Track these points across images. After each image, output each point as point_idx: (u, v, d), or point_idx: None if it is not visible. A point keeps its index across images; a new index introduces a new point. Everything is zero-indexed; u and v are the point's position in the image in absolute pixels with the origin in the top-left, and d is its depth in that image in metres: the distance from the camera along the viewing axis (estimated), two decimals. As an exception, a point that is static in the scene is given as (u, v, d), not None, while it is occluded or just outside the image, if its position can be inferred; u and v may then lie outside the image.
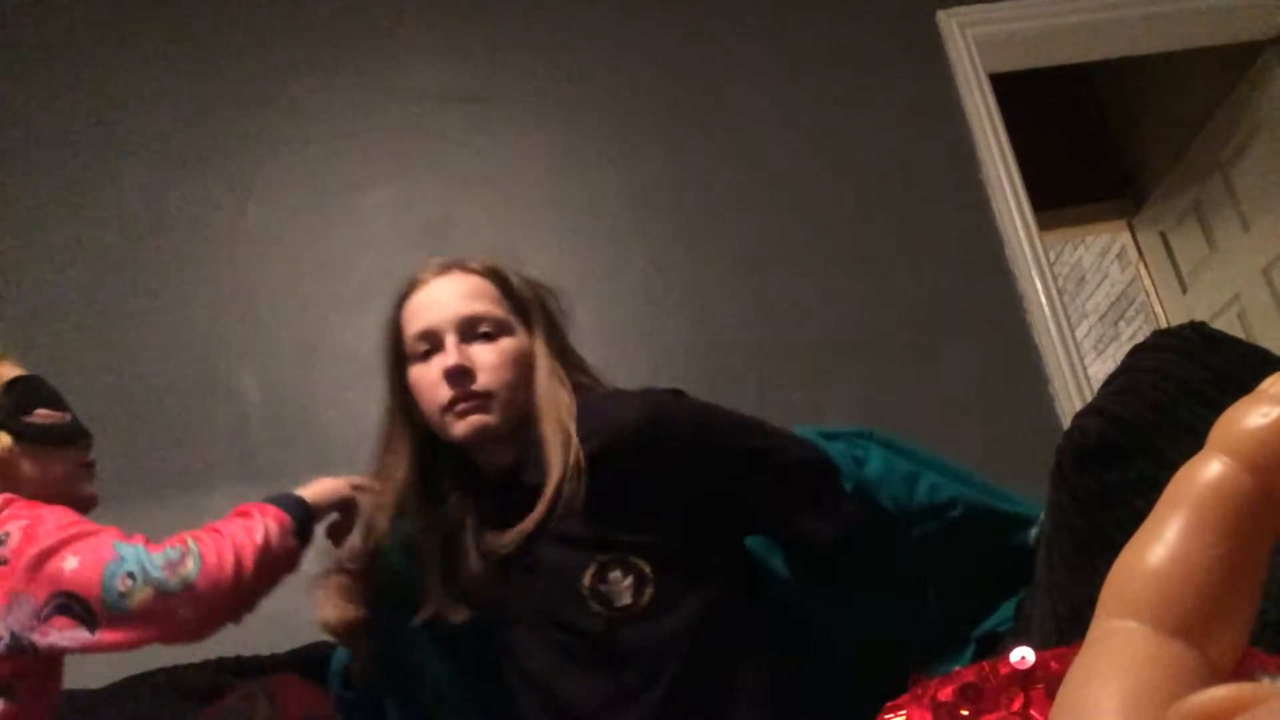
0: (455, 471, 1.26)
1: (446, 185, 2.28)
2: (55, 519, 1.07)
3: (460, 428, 1.19)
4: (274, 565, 1.12)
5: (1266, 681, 0.42)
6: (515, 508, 1.18)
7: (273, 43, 2.35)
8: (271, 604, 1.91)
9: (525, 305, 1.26)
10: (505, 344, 1.22)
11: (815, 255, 2.28)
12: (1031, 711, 0.55)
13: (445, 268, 1.28)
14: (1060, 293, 2.32)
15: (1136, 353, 1.07)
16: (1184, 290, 3.43)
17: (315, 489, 1.23)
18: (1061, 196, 3.52)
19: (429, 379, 1.20)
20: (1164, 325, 3.52)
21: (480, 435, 1.19)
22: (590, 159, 2.32)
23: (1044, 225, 2.51)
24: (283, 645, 1.64)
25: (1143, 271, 3.70)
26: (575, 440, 1.15)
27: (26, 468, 1.17)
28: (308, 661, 1.56)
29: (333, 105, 2.32)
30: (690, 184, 2.32)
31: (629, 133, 2.35)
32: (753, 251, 2.27)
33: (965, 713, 0.56)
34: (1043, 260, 2.31)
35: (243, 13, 2.37)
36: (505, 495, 1.21)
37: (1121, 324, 4.52)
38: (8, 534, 1.04)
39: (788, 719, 1.15)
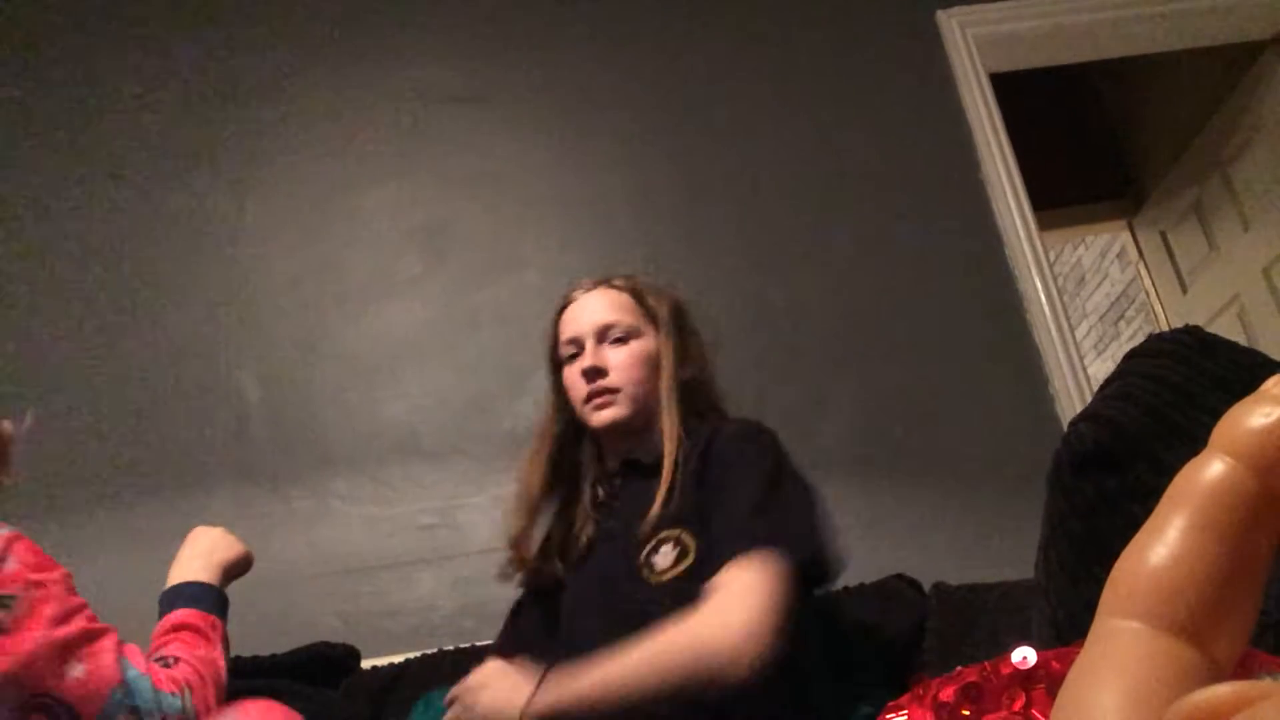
0: (593, 458, 1.48)
1: (446, 185, 2.28)
2: (60, 601, 0.97)
3: (596, 418, 1.39)
4: (224, 685, 1.10)
5: (1267, 680, 0.42)
6: (628, 491, 1.38)
7: (273, 43, 2.35)
8: (272, 604, 1.92)
9: (655, 315, 1.44)
10: (634, 346, 1.40)
11: (815, 255, 2.28)
12: (1033, 711, 0.55)
13: (592, 285, 1.48)
14: (1060, 293, 2.32)
15: (1132, 357, 1.07)
16: (1184, 290, 3.43)
17: (219, 557, 1.23)
18: (1061, 196, 3.52)
19: (573, 377, 1.42)
20: (1164, 325, 3.52)
21: (612, 425, 1.38)
22: (590, 159, 2.32)
23: (1044, 225, 2.51)
24: (283, 646, 1.64)
25: (1143, 271, 3.69)
26: (682, 435, 1.35)
27: None
28: (307, 662, 1.56)
29: (333, 105, 2.32)
30: (690, 184, 2.32)
31: (629, 133, 2.35)
32: (753, 251, 2.27)
33: (967, 712, 0.56)
34: (1043, 260, 2.31)
35: (243, 13, 2.37)
36: (623, 480, 1.41)
37: (1121, 324, 4.52)
38: (15, 599, 0.95)
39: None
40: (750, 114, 2.39)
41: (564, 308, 1.48)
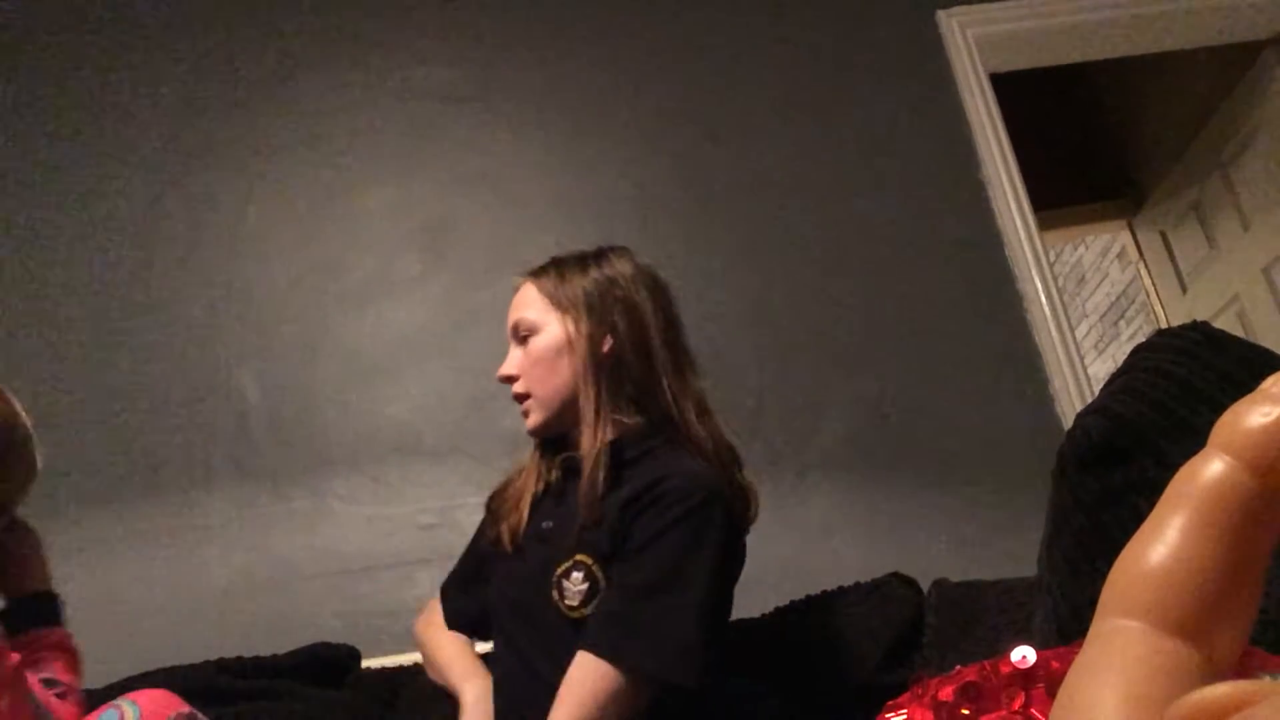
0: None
1: (446, 185, 2.28)
2: None
3: (526, 426, 1.37)
4: None
5: (1267, 679, 0.42)
6: (567, 490, 1.33)
7: (273, 43, 2.35)
8: (272, 604, 1.92)
9: (560, 299, 1.34)
10: (533, 344, 1.33)
11: (815, 255, 2.28)
12: (1032, 710, 0.55)
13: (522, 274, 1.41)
14: (1060, 293, 2.32)
15: (1138, 352, 1.07)
16: (1184, 290, 3.43)
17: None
18: (1061, 196, 3.52)
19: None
20: (1164, 325, 3.52)
21: (536, 431, 1.36)
22: (590, 159, 2.32)
23: (1044, 225, 2.51)
24: (283, 646, 1.64)
25: (1143, 271, 3.69)
26: (603, 424, 1.28)
27: None
28: (307, 662, 1.56)
29: (333, 105, 2.32)
30: (690, 184, 2.32)
31: (629, 133, 2.35)
32: (753, 251, 2.27)
33: (966, 712, 0.56)
34: (1043, 260, 2.31)
35: (243, 13, 2.37)
36: (564, 477, 1.36)
37: (1121, 324, 4.52)
38: None
39: None
40: (750, 114, 2.39)
41: None
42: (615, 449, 1.27)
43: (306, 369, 2.12)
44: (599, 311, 1.32)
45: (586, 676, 1.14)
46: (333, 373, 2.12)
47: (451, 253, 2.24)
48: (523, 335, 1.34)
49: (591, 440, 1.27)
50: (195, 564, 1.94)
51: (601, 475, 1.24)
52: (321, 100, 2.32)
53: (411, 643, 1.59)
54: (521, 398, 1.34)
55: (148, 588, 1.90)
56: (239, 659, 1.56)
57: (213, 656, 1.61)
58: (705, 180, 2.32)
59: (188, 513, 1.98)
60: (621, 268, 1.36)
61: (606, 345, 1.31)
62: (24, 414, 1.11)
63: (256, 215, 2.23)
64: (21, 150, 2.22)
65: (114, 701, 1.03)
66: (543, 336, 1.33)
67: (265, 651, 1.60)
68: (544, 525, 1.33)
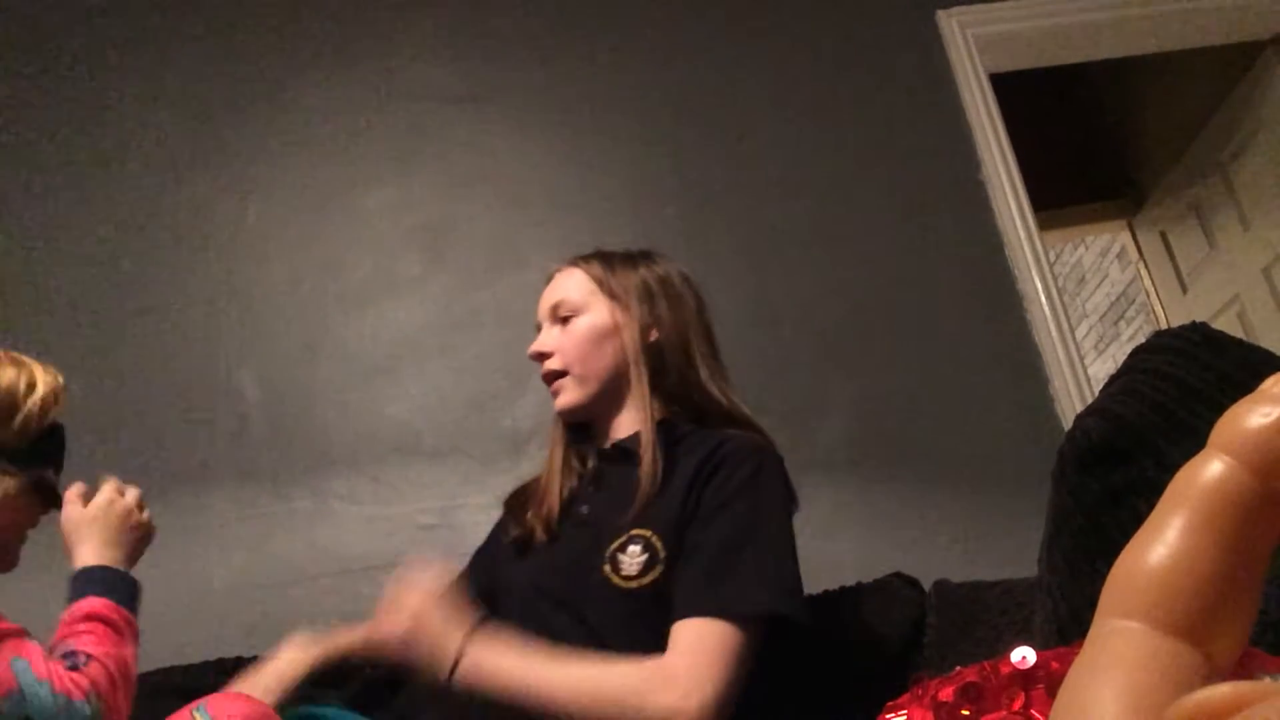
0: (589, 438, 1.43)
1: (446, 185, 2.28)
2: None
3: (555, 405, 1.38)
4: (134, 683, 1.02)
5: (1267, 680, 0.42)
6: (608, 478, 1.34)
7: (273, 43, 2.35)
8: (272, 604, 1.92)
9: (611, 286, 1.37)
10: (578, 323, 1.35)
11: (815, 255, 2.28)
12: (1032, 711, 0.55)
13: (564, 264, 1.43)
14: (1060, 293, 2.32)
15: (1138, 354, 1.07)
16: (1184, 290, 3.43)
17: (124, 536, 1.16)
18: (1061, 196, 3.52)
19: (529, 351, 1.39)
20: (1164, 325, 3.52)
21: (569, 410, 1.36)
22: (590, 159, 2.32)
23: (1044, 225, 2.51)
24: (283, 645, 1.64)
25: (1143, 271, 3.70)
26: (655, 416, 1.31)
27: (11, 512, 1.08)
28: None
29: (333, 105, 2.32)
30: (690, 184, 2.32)
31: (629, 132, 2.35)
32: (752, 251, 2.27)
33: (966, 712, 0.56)
34: (1043, 260, 2.31)
35: (243, 13, 2.37)
36: (605, 464, 1.35)
37: (1121, 324, 4.52)
38: None
39: None
40: (750, 114, 2.39)
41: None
42: (665, 428, 1.31)
43: (306, 369, 2.12)
44: (649, 304, 1.36)
45: (697, 640, 1.12)
46: (333, 373, 2.12)
47: (451, 253, 2.24)
48: (564, 316, 1.36)
49: (639, 422, 1.31)
50: (195, 564, 1.94)
51: (661, 452, 1.27)
52: (321, 100, 2.32)
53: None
54: (554, 375, 1.35)
55: (147, 588, 1.88)
56: (239, 659, 1.55)
57: (213, 657, 1.61)
58: (705, 180, 2.32)
59: (188, 513, 1.98)
60: (669, 269, 1.43)
61: (653, 336, 1.35)
62: (39, 376, 1.10)
63: (256, 215, 2.23)
64: (21, 150, 2.22)
65: (188, 707, 1.02)
66: (589, 317, 1.35)
67: (265, 651, 1.60)
68: (581, 510, 1.32)
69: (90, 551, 1.12)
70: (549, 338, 1.37)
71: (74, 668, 0.96)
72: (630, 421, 1.35)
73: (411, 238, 2.24)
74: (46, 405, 1.09)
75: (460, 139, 2.32)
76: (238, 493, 2.01)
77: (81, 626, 1.03)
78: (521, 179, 2.30)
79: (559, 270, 1.43)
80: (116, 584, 1.10)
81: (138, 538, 1.19)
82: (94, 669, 0.96)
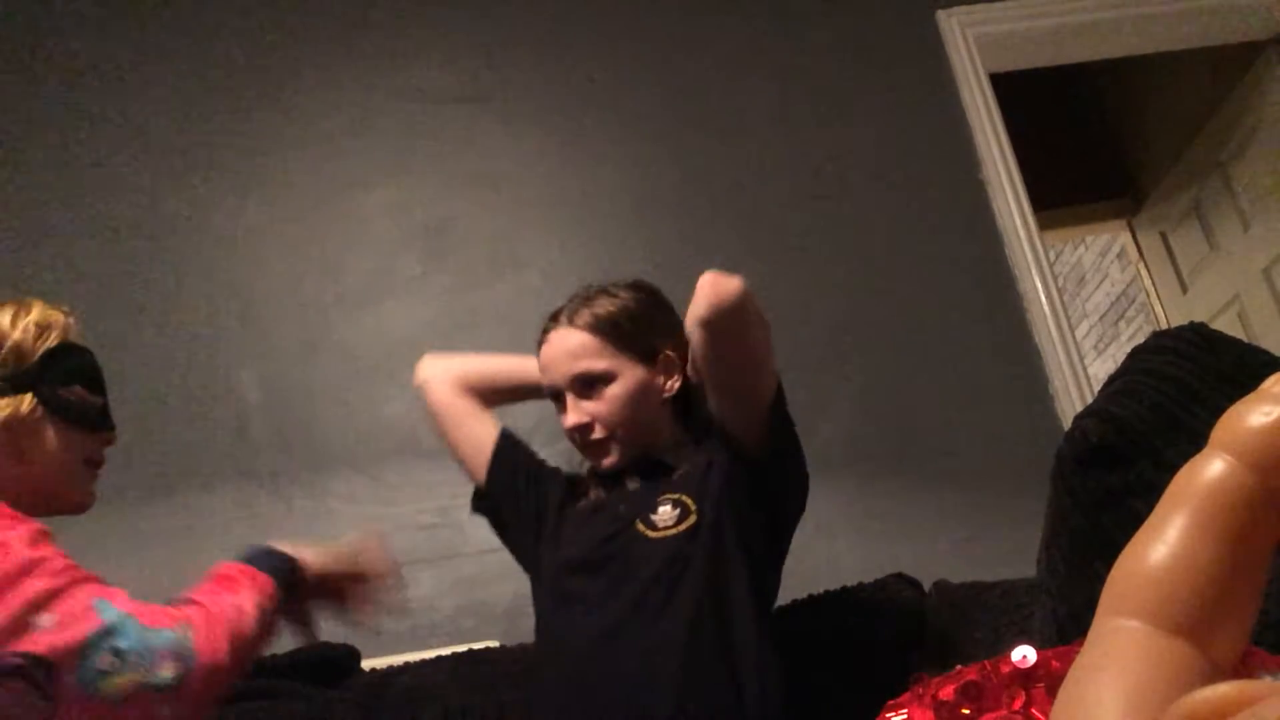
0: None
1: (446, 185, 2.28)
2: (17, 558, 0.91)
3: (599, 465, 1.41)
4: (257, 649, 1.02)
5: (1268, 679, 0.42)
6: (634, 485, 1.41)
7: (273, 43, 2.35)
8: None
9: (629, 345, 1.40)
10: (612, 391, 1.38)
11: (815, 255, 2.28)
12: (1032, 710, 0.55)
13: (564, 319, 1.42)
14: (1060, 293, 2.32)
15: (1136, 354, 1.07)
16: (1184, 290, 3.43)
17: (300, 550, 1.16)
18: (1061, 196, 3.51)
19: (566, 428, 1.41)
20: (1164, 325, 3.52)
21: (615, 466, 1.40)
22: (590, 159, 2.32)
23: (1044, 225, 2.51)
24: (283, 646, 1.64)
25: (1143, 271, 3.69)
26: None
27: (47, 441, 1.07)
28: (307, 662, 1.56)
29: (333, 105, 2.32)
30: (690, 184, 2.32)
31: (629, 132, 2.35)
32: (752, 251, 2.27)
33: (966, 711, 0.56)
34: (1043, 260, 2.31)
35: (243, 13, 2.37)
36: (632, 473, 1.42)
37: (1121, 324, 4.52)
38: None
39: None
40: (750, 114, 2.39)
41: (541, 342, 1.44)
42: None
43: (306, 369, 2.12)
44: (662, 341, 1.41)
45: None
46: (333, 373, 2.12)
47: (451, 253, 2.24)
48: (592, 384, 1.38)
49: (675, 440, 1.42)
50: (196, 564, 1.94)
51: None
52: (321, 100, 2.32)
53: (411, 642, 1.59)
54: (598, 441, 1.38)
55: (148, 588, 1.89)
56: (239, 659, 1.55)
57: (213, 656, 1.61)
58: (705, 180, 2.32)
59: (188, 513, 1.98)
60: (647, 296, 1.47)
61: (676, 376, 1.42)
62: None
63: (256, 215, 2.23)
64: (21, 151, 2.22)
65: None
66: (622, 383, 1.38)
67: (265, 651, 1.60)
68: (619, 509, 1.37)
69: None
70: (582, 410, 1.38)
71: (169, 603, 0.97)
72: (660, 447, 1.42)
73: (411, 238, 2.24)
74: (40, 329, 1.11)
75: (460, 139, 2.32)
76: (238, 493, 2.01)
77: (205, 584, 1.05)
78: (521, 179, 2.30)
79: (556, 330, 1.42)
80: (261, 557, 1.10)
81: (342, 574, 1.20)
82: (190, 608, 0.97)
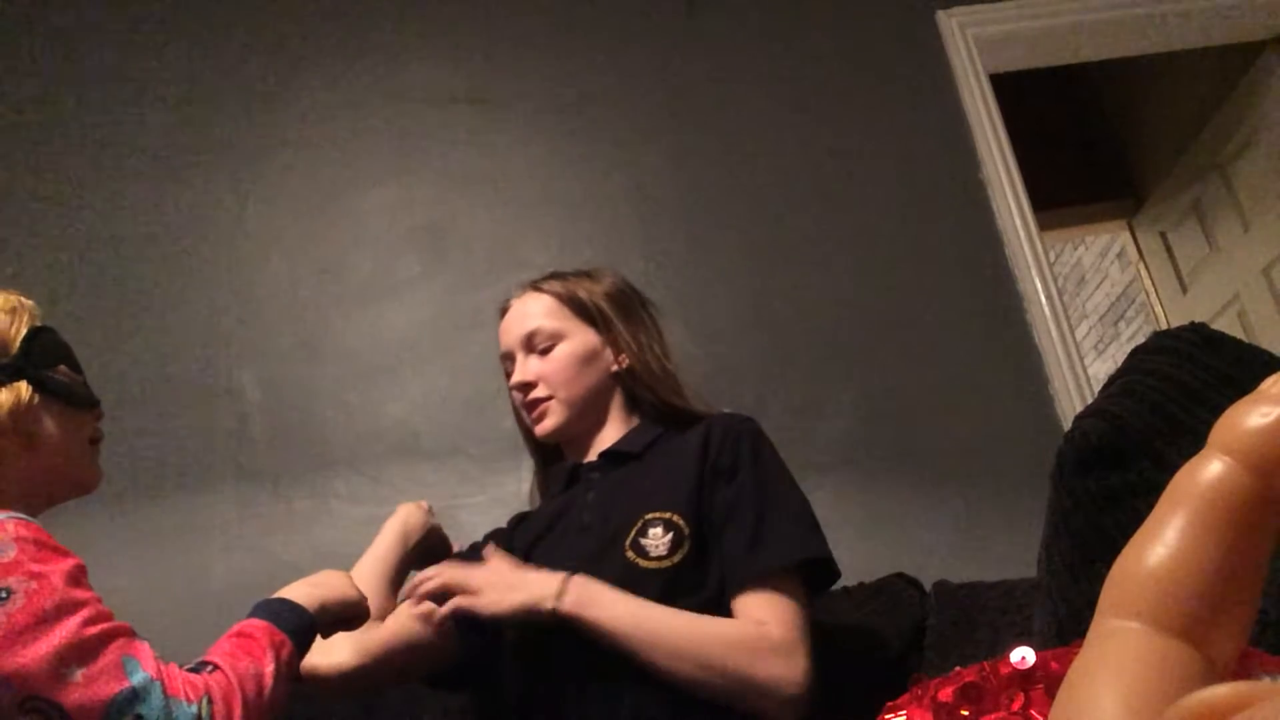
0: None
1: (446, 185, 2.28)
2: (57, 596, 0.90)
3: (538, 430, 1.40)
4: (271, 716, 1.00)
5: (1267, 680, 0.42)
6: (604, 484, 1.37)
7: (273, 43, 2.35)
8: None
9: (586, 310, 1.41)
10: (561, 350, 1.38)
11: (815, 255, 2.28)
12: (1032, 711, 0.55)
13: (523, 289, 1.45)
14: (1060, 293, 2.32)
15: (1136, 355, 1.07)
16: (1184, 290, 3.43)
17: (324, 592, 1.14)
18: (1061, 196, 3.52)
19: (512, 393, 1.42)
20: (1164, 325, 3.52)
21: (553, 433, 1.38)
22: (590, 159, 2.32)
23: (1044, 225, 2.51)
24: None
25: (1143, 271, 3.70)
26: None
27: (49, 425, 1.07)
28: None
29: (333, 105, 2.32)
30: (690, 184, 2.32)
31: (629, 133, 2.35)
32: (753, 252, 2.27)
33: (965, 713, 0.56)
34: (1043, 260, 2.31)
35: (243, 13, 2.37)
36: (599, 473, 1.39)
37: (1121, 324, 4.52)
38: (10, 593, 0.88)
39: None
40: (750, 114, 2.39)
41: (501, 319, 1.45)
42: (644, 425, 1.40)
43: (306, 369, 2.12)
44: (619, 321, 1.41)
45: (779, 606, 1.17)
46: (333, 373, 2.12)
47: (451, 253, 2.24)
48: (543, 345, 1.38)
49: (623, 431, 1.39)
50: (196, 564, 1.94)
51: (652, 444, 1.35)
52: (321, 100, 2.32)
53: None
54: (538, 402, 1.38)
55: (148, 588, 1.89)
56: (239, 659, 1.55)
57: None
58: (705, 180, 2.32)
59: (188, 513, 1.98)
60: (621, 284, 1.47)
61: (628, 351, 1.40)
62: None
63: (256, 215, 2.23)
64: (21, 150, 2.22)
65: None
66: (569, 343, 1.38)
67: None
68: (583, 519, 1.32)
69: (292, 588, 1.13)
70: (530, 368, 1.39)
71: (196, 673, 0.95)
72: (612, 434, 1.40)
73: (411, 238, 2.24)
74: (11, 315, 1.10)
75: (460, 139, 2.32)
76: (238, 493, 2.01)
77: (227, 643, 1.03)
78: (521, 179, 2.30)
79: (517, 297, 1.44)
80: (285, 613, 1.09)
81: (345, 605, 1.17)
82: (216, 676, 0.95)
